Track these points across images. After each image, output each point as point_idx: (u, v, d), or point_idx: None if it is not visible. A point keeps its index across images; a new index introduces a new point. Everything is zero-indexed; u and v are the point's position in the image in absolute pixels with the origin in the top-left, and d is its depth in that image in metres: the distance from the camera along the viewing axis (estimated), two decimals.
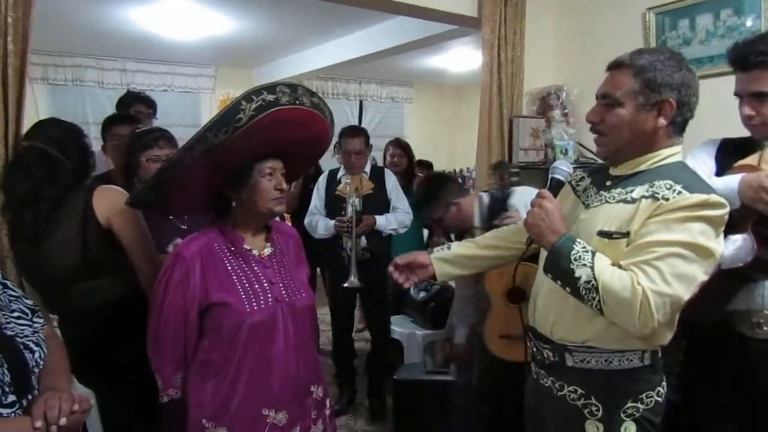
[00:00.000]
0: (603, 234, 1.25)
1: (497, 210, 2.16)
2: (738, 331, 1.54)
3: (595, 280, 1.16)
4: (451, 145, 7.99)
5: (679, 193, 1.18)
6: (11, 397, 1.08)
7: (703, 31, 2.66)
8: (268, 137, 1.39)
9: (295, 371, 1.50)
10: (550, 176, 1.39)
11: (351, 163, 3.11)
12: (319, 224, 3.16)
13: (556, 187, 1.36)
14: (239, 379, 1.43)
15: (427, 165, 5.20)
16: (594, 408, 1.30)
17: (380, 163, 4.13)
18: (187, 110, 6.26)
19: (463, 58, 5.89)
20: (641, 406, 1.28)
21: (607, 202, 1.29)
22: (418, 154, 4.39)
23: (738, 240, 1.49)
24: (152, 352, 1.44)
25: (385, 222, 3.08)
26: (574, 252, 1.20)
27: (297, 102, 1.39)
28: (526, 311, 1.94)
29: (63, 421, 1.06)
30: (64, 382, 1.22)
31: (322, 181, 3.28)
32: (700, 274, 1.16)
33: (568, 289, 1.22)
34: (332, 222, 3.05)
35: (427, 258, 1.57)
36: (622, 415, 1.27)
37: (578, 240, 1.22)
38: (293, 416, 1.49)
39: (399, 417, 2.49)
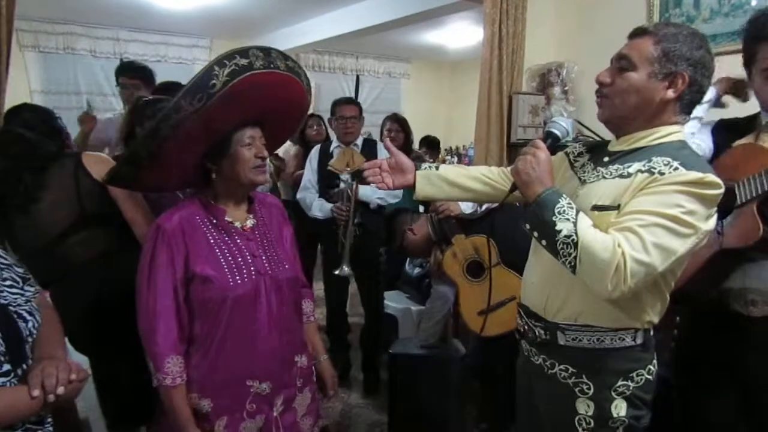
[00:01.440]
0: (596, 208, 1.24)
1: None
2: (732, 309, 1.55)
3: (576, 235, 1.14)
4: (447, 121, 7.95)
5: (676, 169, 1.17)
6: (6, 366, 1.06)
7: (708, 9, 2.63)
8: (244, 103, 1.36)
9: (278, 343, 1.49)
10: (546, 129, 1.38)
11: (347, 129, 3.09)
12: (314, 204, 3.13)
13: (551, 140, 1.34)
14: (222, 352, 1.42)
15: (433, 142, 5.17)
16: (585, 386, 1.30)
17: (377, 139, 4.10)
18: (182, 81, 6.18)
19: (461, 34, 5.82)
20: (632, 384, 1.28)
21: (604, 177, 1.28)
22: (415, 130, 4.36)
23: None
24: (143, 334, 1.41)
25: (370, 192, 2.96)
26: (559, 205, 1.18)
27: (271, 65, 1.35)
28: (486, 283, 2.05)
29: (61, 390, 1.05)
30: (60, 351, 1.20)
31: (314, 154, 3.24)
32: (680, 249, 1.15)
33: (544, 241, 1.20)
34: (329, 206, 3.02)
35: (412, 168, 1.54)
36: (613, 394, 1.28)
37: (564, 195, 1.21)
38: (277, 385, 1.49)
39: (393, 391, 2.51)
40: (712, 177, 1.15)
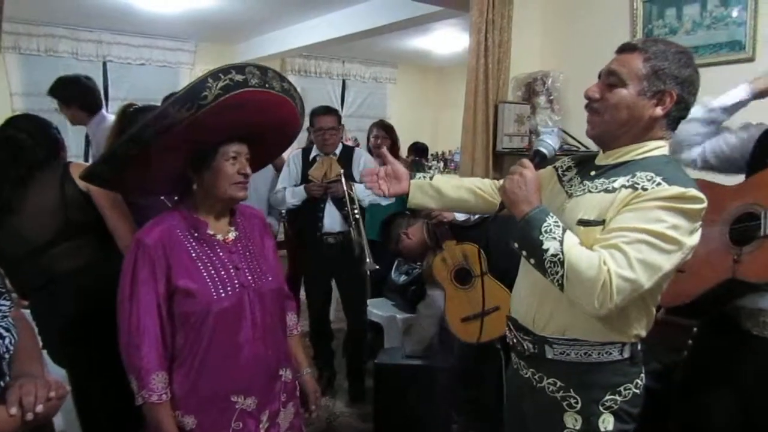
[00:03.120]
0: (582, 222, 1.25)
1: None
2: (743, 327, 1.54)
3: (563, 254, 1.16)
4: (434, 127, 7.97)
5: (659, 184, 1.18)
6: None
7: (690, 21, 2.66)
8: (234, 119, 1.34)
9: (263, 356, 1.48)
10: (534, 148, 1.39)
11: (325, 140, 3.07)
12: (286, 193, 3.12)
13: (538, 159, 1.36)
14: (206, 367, 1.40)
15: (421, 148, 5.18)
16: (573, 400, 1.30)
17: (363, 145, 4.10)
18: (166, 85, 6.07)
19: (448, 40, 5.85)
20: (619, 399, 1.28)
21: (589, 191, 1.29)
22: (401, 135, 4.36)
23: None
24: (126, 351, 1.38)
25: (362, 191, 2.91)
26: (545, 224, 1.20)
27: (266, 86, 1.34)
28: (473, 291, 2.10)
29: (39, 408, 1.03)
30: (38, 367, 1.17)
31: (295, 159, 3.21)
32: (666, 264, 1.16)
33: (532, 260, 1.22)
34: (300, 188, 3.01)
35: (407, 176, 1.56)
36: (601, 408, 1.28)
37: (551, 214, 1.23)
38: (262, 400, 1.47)
39: (379, 400, 2.50)
40: (693, 192, 1.17)
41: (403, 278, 3.37)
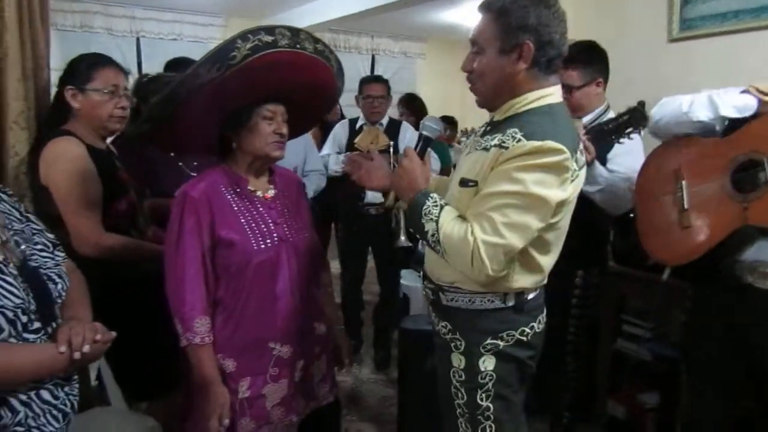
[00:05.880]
0: (462, 182, 1.30)
1: None
2: (744, 282, 1.54)
3: (438, 232, 1.24)
4: (462, 102, 7.85)
5: (519, 141, 1.19)
6: (36, 324, 1.11)
7: None
8: (265, 79, 1.37)
9: (299, 308, 1.54)
10: (419, 132, 1.45)
11: (373, 108, 3.08)
12: (330, 159, 3.17)
13: (424, 143, 1.42)
14: (245, 315, 1.46)
15: (451, 121, 5.17)
16: (458, 342, 1.40)
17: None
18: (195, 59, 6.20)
19: (476, 13, 5.74)
20: (501, 343, 1.36)
21: (475, 149, 1.33)
22: (431, 110, 4.34)
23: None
24: (171, 296, 1.44)
25: None
26: (425, 207, 1.28)
27: (297, 46, 1.36)
28: None
29: (86, 348, 1.09)
30: (86, 313, 1.25)
31: (341, 129, 3.24)
32: (535, 222, 1.20)
33: (423, 241, 1.32)
34: (345, 154, 3.02)
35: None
36: (482, 350, 1.37)
37: (431, 195, 1.29)
38: (297, 350, 1.54)
39: (403, 365, 2.54)
40: (550, 144, 1.16)
41: None
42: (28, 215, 1.29)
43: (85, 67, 1.76)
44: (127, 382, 1.72)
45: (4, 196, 1.25)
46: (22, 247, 1.16)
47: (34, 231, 1.26)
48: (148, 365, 1.75)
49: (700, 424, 1.76)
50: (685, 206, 1.63)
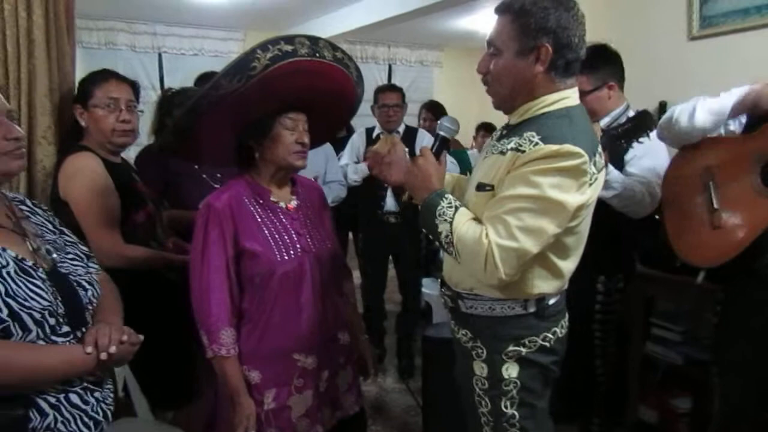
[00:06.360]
0: (479, 186, 1.28)
1: None
2: None
3: (452, 234, 1.22)
4: (480, 110, 7.82)
5: (536, 144, 1.17)
6: (65, 328, 1.11)
7: None
8: (286, 88, 1.38)
9: (323, 318, 1.53)
10: (436, 132, 1.43)
11: (388, 117, 3.10)
12: (348, 169, 3.17)
13: (440, 143, 1.40)
14: (270, 326, 1.46)
15: (487, 127, 5.18)
16: (480, 350, 1.38)
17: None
18: None
19: (493, 20, 5.74)
20: (524, 350, 1.33)
21: (492, 153, 1.31)
22: None
23: None
24: (197, 308, 1.44)
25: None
26: (439, 207, 1.26)
27: (317, 54, 1.36)
28: None
29: (113, 348, 1.09)
30: (116, 319, 1.24)
31: (358, 138, 3.27)
32: (551, 227, 1.17)
33: (436, 243, 1.29)
34: (363, 165, 3.03)
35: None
36: (504, 357, 1.34)
37: (446, 196, 1.27)
38: (322, 360, 1.53)
39: (427, 373, 2.52)
40: (568, 147, 1.14)
41: None
42: (62, 228, 1.31)
43: (87, 84, 1.78)
44: (152, 392, 1.75)
45: (39, 210, 1.27)
46: (54, 255, 1.18)
47: (68, 242, 1.28)
48: (172, 373, 1.78)
49: (734, 427, 1.71)
50: (715, 206, 1.60)
